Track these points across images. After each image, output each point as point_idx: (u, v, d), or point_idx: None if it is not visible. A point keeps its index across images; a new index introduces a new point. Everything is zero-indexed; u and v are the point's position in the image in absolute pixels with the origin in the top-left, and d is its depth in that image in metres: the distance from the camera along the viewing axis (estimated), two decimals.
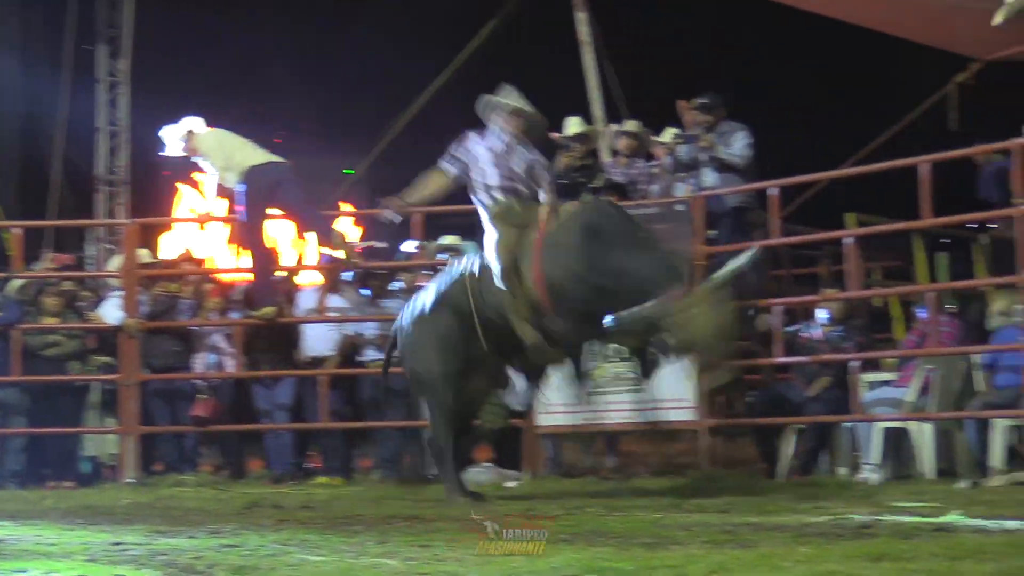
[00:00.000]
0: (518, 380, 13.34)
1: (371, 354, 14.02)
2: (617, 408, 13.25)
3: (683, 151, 14.16)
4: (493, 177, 10.98)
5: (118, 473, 13.78)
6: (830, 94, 25.77)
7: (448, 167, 11.29)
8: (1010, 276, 12.00)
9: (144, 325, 13.96)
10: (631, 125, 14.46)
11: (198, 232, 19.27)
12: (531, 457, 13.50)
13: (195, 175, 19.87)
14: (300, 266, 16.90)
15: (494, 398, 13.18)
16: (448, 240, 14.62)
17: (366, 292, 14.53)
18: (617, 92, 17.43)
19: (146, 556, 7.24)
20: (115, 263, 15.14)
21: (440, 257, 14.40)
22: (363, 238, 19.86)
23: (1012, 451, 11.89)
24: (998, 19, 11.04)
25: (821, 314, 13.13)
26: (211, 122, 14.31)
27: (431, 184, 11.41)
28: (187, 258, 16.36)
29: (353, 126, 23.66)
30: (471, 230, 15.19)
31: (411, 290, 14.30)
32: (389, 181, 23.59)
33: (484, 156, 11.12)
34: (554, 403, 13.30)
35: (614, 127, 14.83)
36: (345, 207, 21.19)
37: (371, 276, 14.67)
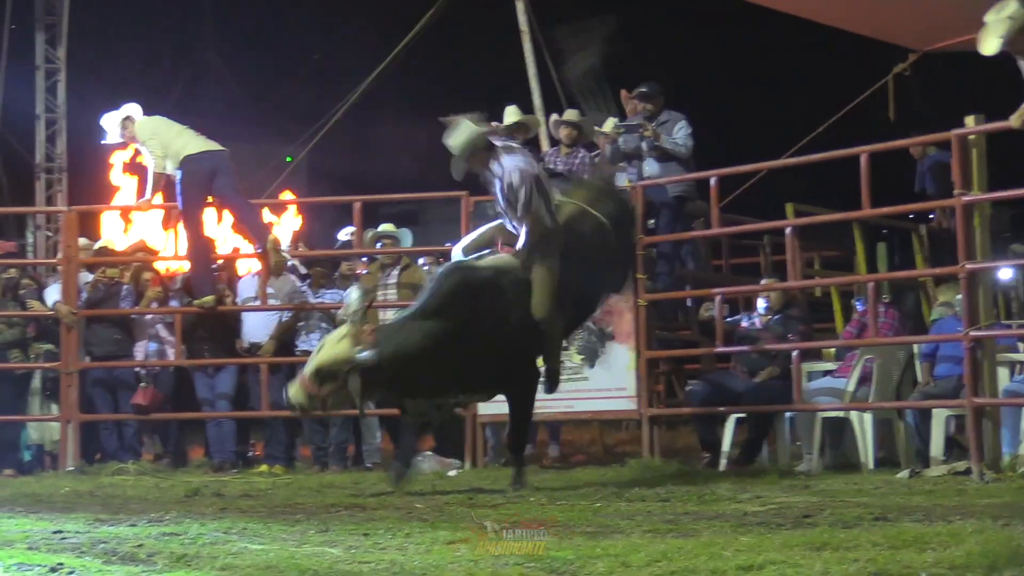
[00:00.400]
0: None
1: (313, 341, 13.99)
2: (559, 397, 13.25)
3: (625, 140, 14.17)
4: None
5: (59, 461, 13.68)
6: (769, 83, 25.87)
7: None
8: (949, 267, 12.07)
9: (78, 313, 13.86)
10: (571, 114, 14.45)
11: (139, 219, 19.22)
12: (472, 446, 13.48)
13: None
14: (238, 254, 16.79)
15: None
16: (384, 228, 14.59)
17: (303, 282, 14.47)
18: (556, 81, 17.42)
19: (87, 544, 7.22)
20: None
21: (377, 245, 14.42)
22: (302, 228, 19.87)
23: (951, 441, 11.97)
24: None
25: (760, 303, 13.17)
26: (149, 109, 14.23)
27: None
28: (141, 247, 16.27)
29: (293, 112, 23.59)
30: (407, 218, 15.23)
31: (349, 278, 14.34)
32: (329, 168, 23.65)
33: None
34: None
35: (554, 116, 14.81)
36: (285, 195, 21.17)
37: (311, 264, 14.64)
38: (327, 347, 10.25)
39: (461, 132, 10.65)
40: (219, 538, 7.49)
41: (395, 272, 14.17)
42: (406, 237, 14.66)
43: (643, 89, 14.21)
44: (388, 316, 14.00)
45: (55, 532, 7.82)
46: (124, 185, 20.43)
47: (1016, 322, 12.88)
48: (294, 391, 10.29)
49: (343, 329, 10.28)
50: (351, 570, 6.19)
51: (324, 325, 13.91)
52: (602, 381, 13.21)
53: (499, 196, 10.64)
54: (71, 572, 6.13)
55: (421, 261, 14.70)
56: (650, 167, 13.99)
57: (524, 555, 6.43)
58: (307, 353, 13.70)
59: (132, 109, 13.99)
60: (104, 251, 15.11)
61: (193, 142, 13.85)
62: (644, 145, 13.99)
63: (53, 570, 6.16)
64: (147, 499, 10.50)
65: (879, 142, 12.20)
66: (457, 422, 13.52)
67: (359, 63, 20.27)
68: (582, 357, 13.27)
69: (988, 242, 11.79)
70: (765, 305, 13.02)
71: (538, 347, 10.80)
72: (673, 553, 6.29)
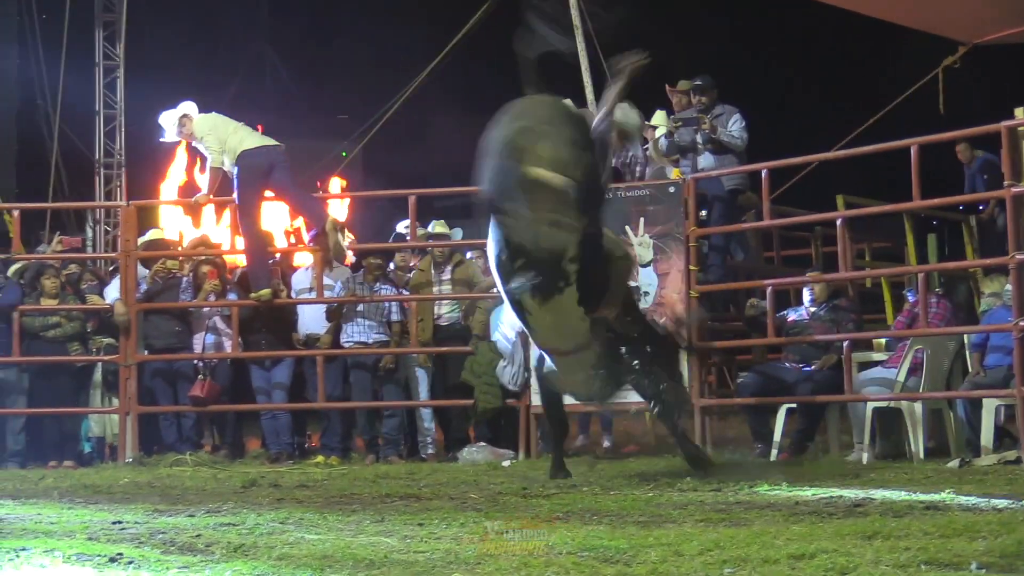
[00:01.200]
0: (514, 360, 13.39)
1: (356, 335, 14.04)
2: None
3: (680, 134, 14.13)
4: None
5: (118, 453, 13.74)
6: (820, 76, 25.76)
7: None
8: (999, 258, 12.00)
9: (135, 307, 13.94)
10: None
11: (196, 214, 19.33)
12: (526, 436, 13.48)
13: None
14: (295, 247, 16.84)
15: (489, 379, 13.26)
16: (437, 228, 14.59)
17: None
18: (607, 76, 17.38)
19: (146, 534, 7.28)
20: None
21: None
22: (350, 220, 19.90)
23: (1001, 430, 11.89)
24: None
25: (805, 295, 13.12)
26: (205, 105, 14.28)
27: None
28: (203, 242, 16.32)
29: (348, 108, 23.64)
30: (460, 212, 15.20)
31: (403, 270, 14.36)
32: (382, 163, 23.69)
33: None
34: None
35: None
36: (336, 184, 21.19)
37: (365, 256, 14.64)
38: None
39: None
40: (276, 528, 7.53)
41: (448, 268, 14.17)
42: (457, 235, 14.65)
43: (698, 82, 14.18)
44: (442, 311, 14.10)
45: (114, 522, 7.88)
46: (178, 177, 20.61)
47: None
48: None
49: None
50: (406, 560, 6.20)
51: (372, 321, 13.99)
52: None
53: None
54: (130, 562, 6.17)
55: (469, 255, 14.67)
56: (705, 160, 13.96)
57: (578, 544, 6.44)
58: (359, 345, 13.85)
59: (188, 107, 14.05)
60: (156, 243, 15.11)
61: (249, 138, 13.90)
62: (699, 138, 13.96)
63: (113, 560, 6.20)
64: (205, 490, 10.55)
65: (929, 134, 12.13)
66: (511, 413, 13.59)
67: (413, 58, 20.31)
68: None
69: None
70: (810, 297, 12.96)
71: None
72: (725, 542, 6.29)
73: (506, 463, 12.81)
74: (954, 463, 11.32)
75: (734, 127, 13.89)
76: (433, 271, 14.14)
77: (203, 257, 14.70)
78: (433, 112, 23.21)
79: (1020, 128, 11.62)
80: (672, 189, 13.18)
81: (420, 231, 14.49)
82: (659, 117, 14.40)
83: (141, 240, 14.22)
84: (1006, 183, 11.58)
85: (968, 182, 13.45)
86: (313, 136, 23.89)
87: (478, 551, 6.36)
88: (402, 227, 14.65)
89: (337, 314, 14.13)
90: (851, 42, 23.05)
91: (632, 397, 13.15)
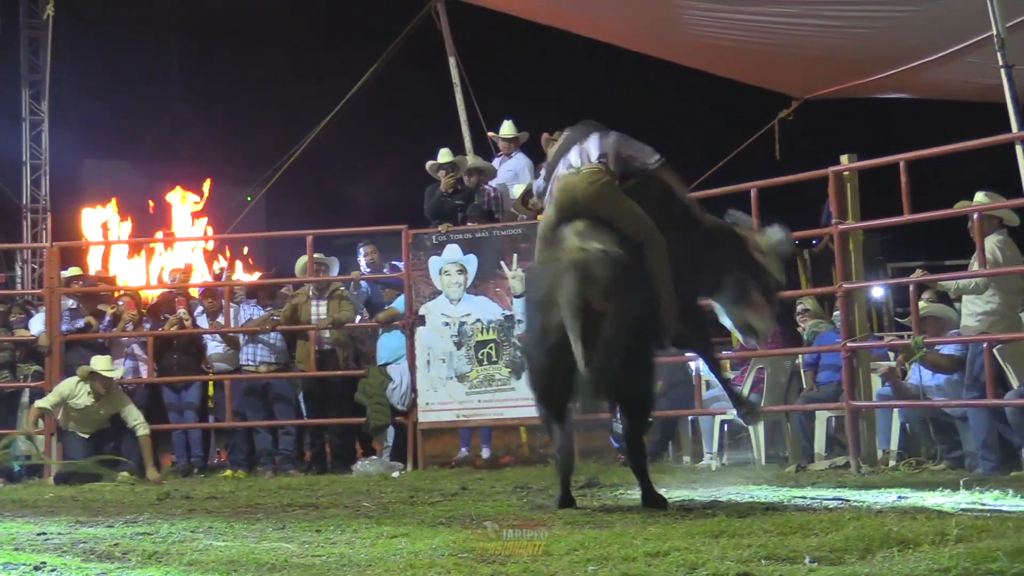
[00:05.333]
0: (401, 382, 13.39)
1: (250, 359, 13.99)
2: (490, 406, 13.32)
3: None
4: None
5: (43, 471, 13.50)
6: (667, 128, 25.96)
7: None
8: (829, 287, 12.19)
9: (59, 338, 13.76)
10: (445, 155, 14.36)
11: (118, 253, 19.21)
12: (413, 450, 13.45)
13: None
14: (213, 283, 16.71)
15: (380, 399, 13.25)
16: (317, 256, 14.42)
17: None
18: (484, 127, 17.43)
19: (68, 544, 7.17)
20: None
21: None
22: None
23: (832, 439, 12.05)
24: None
25: None
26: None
27: None
28: (103, 278, 16.14)
29: (254, 157, 23.52)
30: (348, 251, 15.12)
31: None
32: (284, 207, 23.59)
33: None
34: (433, 402, 13.38)
35: (430, 162, 14.59)
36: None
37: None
38: None
39: None
40: (187, 536, 7.44)
41: (324, 300, 14.07)
42: (334, 265, 14.54)
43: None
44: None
45: (39, 534, 7.75)
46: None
47: (887, 334, 12.97)
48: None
49: None
50: (304, 563, 6.16)
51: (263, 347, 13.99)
52: (527, 391, 13.17)
53: None
54: (53, 570, 6.08)
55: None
56: None
57: (458, 546, 6.42)
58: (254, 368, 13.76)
59: None
60: (78, 278, 14.97)
61: None
62: None
63: (37, 568, 6.10)
64: (123, 503, 10.39)
65: (767, 179, 12.27)
66: (400, 429, 13.57)
67: (315, 112, 20.23)
68: (509, 370, 13.29)
69: (862, 264, 11.92)
70: None
71: None
72: (589, 542, 6.30)
73: (396, 474, 12.76)
74: (791, 468, 11.46)
75: None
76: (313, 302, 14.02)
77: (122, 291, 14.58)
78: (330, 161, 23.17)
79: (845, 173, 11.81)
80: None
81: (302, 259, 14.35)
82: (507, 128, 14.44)
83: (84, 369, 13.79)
84: (834, 221, 11.76)
85: (824, 218, 13.62)
86: (223, 182, 23.76)
87: (369, 555, 6.33)
88: (300, 264, 14.47)
89: (236, 341, 14.07)
90: (696, 96, 23.22)
91: (507, 413, 13.29)
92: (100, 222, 21.27)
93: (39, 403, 13.14)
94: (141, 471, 12.97)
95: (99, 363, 13.17)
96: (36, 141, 21.75)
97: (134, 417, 13.15)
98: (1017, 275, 10.88)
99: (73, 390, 13.10)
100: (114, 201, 21.68)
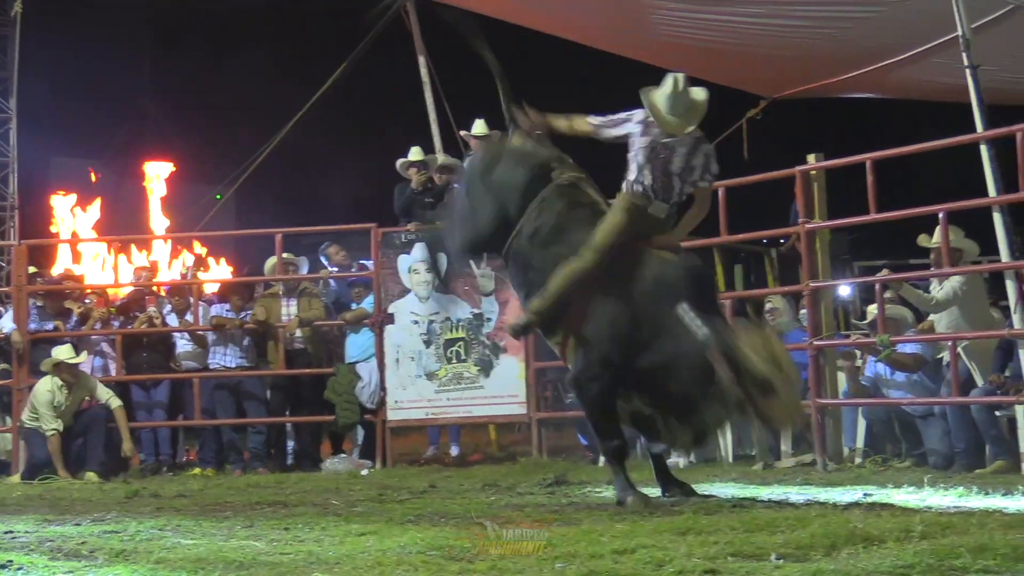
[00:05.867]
0: (370, 381, 13.36)
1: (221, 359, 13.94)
2: (459, 404, 13.34)
3: None
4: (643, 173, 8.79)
5: (11, 469, 13.42)
6: None
7: (599, 124, 8.97)
8: (795, 286, 12.23)
9: (27, 336, 13.71)
10: (416, 153, 14.36)
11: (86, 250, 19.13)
12: (382, 448, 13.44)
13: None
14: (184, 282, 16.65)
15: (349, 397, 13.23)
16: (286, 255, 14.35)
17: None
18: (454, 125, 17.41)
19: (35, 543, 7.13)
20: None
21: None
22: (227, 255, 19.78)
23: (798, 437, 12.08)
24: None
25: None
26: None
27: (577, 124, 9.08)
28: (68, 276, 16.05)
29: (224, 154, 23.45)
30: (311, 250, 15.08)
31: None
32: (254, 205, 23.54)
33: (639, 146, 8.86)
34: (402, 400, 13.38)
35: (400, 160, 14.60)
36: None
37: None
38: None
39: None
40: (155, 534, 7.41)
41: (294, 299, 14.04)
42: (303, 264, 14.51)
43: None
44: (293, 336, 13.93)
45: (6, 532, 7.70)
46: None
47: (853, 332, 13.02)
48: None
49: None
50: (272, 561, 6.14)
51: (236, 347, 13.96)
52: (496, 389, 13.28)
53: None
54: (20, 568, 6.04)
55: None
56: None
57: (426, 544, 6.42)
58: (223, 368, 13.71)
59: None
60: (41, 275, 14.94)
61: None
62: None
63: (3, 567, 6.06)
64: (91, 501, 10.33)
65: (735, 178, 12.29)
66: (369, 427, 13.57)
67: (281, 111, 20.18)
68: (478, 368, 13.31)
69: (828, 263, 11.96)
70: None
71: None
72: (557, 540, 6.30)
73: (364, 472, 12.75)
74: (758, 466, 11.48)
75: None
76: (283, 301, 14.00)
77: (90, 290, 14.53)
78: (300, 159, 23.13)
79: (812, 172, 11.85)
80: None
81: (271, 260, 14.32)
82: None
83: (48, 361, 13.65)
84: (800, 220, 11.80)
85: (792, 216, 13.67)
86: (192, 180, 23.69)
87: (337, 552, 6.31)
88: (270, 264, 14.41)
89: (204, 340, 14.04)
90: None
91: (476, 411, 13.31)
92: (68, 217, 21.20)
93: (52, 427, 12.99)
94: (107, 470, 12.94)
95: (62, 352, 13.11)
96: (4, 139, 21.61)
97: (106, 393, 13.17)
98: (983, 306, 11.06)
99: (53, 392, 13.03)
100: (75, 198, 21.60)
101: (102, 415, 13.23)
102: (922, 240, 11.43)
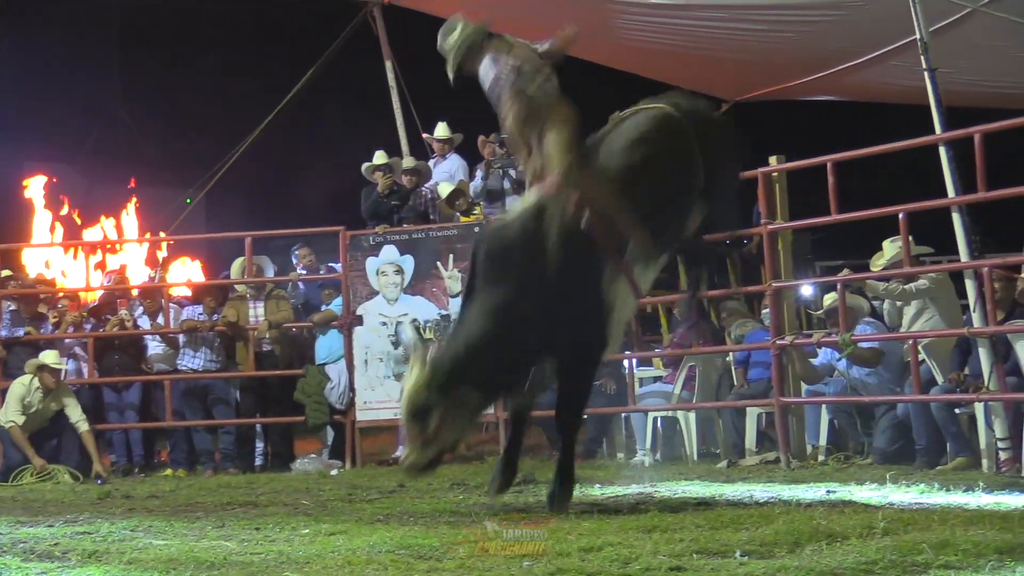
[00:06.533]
0: (339, 381, 13.34)
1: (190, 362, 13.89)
2: None
3: (492, 180, 14.06)
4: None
5: None
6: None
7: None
8: (758, 286, 12.26)
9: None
10: (380, 157, 14.36)
11: (57, 254, 19.04)
12: (352, 448, 13.42)
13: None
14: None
15: (318, 398, 13.20)
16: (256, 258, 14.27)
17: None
18: (420, 129, 17.40)
19: (8, 544, 7.11)
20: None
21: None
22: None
23: (762, 434, 12.11)
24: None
25: None
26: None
27: None
28: (40, 280, 15.98)
29: (192, 159, 23.37)
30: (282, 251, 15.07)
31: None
32: (224, 208, 23.46)
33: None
34: (371, 400, 13.35)
35: (365, 164, 14.59)
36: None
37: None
38: (404, 392, 8.15)
39: (456, 30, 8.69)
40: (127, 535, 7.39)
41: (261, 299, 14.01)
42: (267, 265, 14.48)
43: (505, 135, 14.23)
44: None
45: None
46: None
47: (816, 332, 13.05)
48: (411, 459, 8.00)
49: (410, 366, 8.13)
50: (244, 561, 6.14)
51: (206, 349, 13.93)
52: None
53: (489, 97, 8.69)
54: None
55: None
56: (512, 203, 13.97)
57: (395, 543, 6.41)
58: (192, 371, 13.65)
59: None
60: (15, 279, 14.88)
61: None
62: (507, 184, 13.88)
63: None
64: (63, 502, 10.29)
65: None
66: (338, 427, 13.54)
67: (250, 116, 20.12)
68: None
69: (791, 263, 12.01)
70: None
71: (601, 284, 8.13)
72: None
73: (334, 472, 12.73)
74: (723, 464, 11.51)
75: None
76: (251, 303, 13.97)
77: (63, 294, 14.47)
78: (268, 162, 23.05)
79: (774, 174, 11.90)
80: (477, 229, 13.20)
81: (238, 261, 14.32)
82: (441, 130, 14.40)
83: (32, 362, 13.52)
84: (763, 221, 11.84)
85: (756, 216, 13.71)
86: (161, 184, 23.62)
87: (308, 552, 6.30)
88: (236, 267, 14.38)
89: (175, 342, 13.99)
90: (630, 99, 23.28)
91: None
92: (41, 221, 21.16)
93: (11, 419, 12.92)
94: (81, 470, 12.87)
95: (48, 357, 13.10)
96: None
97: (77, 415, 13.05)
98: (955, 306, 11.13)
99: (28, 389, 12.97)
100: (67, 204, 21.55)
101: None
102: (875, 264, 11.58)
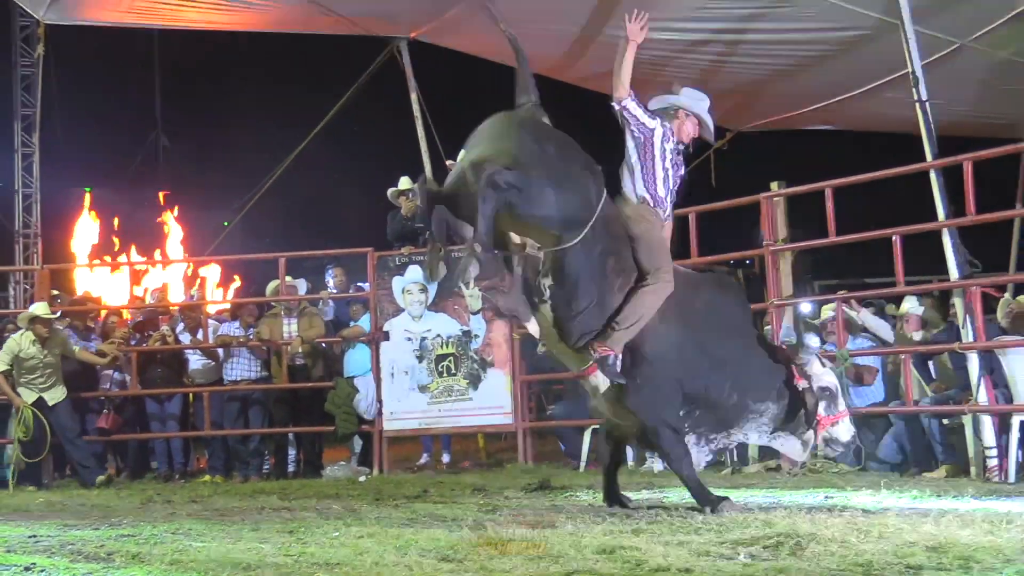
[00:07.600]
0: (367, 393, 13.33)
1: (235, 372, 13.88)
2: (450, 415, 13.33)
3: None
4: (656, 184, 8.79)
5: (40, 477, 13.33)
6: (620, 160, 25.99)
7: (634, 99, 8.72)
8: (761, 304, 12.25)
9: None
10: (404, 183, 14.36)
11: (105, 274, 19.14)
12: (379, 456, 13.43)
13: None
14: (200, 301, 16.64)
15: (347, 409, 13.19)
16: (288, 280, 14.29)
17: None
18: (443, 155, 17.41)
19: (57, 546, 7.11)
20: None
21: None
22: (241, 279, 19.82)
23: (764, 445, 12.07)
24: None
25: None
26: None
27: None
28: (88, 297, 16.05)
29: (230, 184, 23.47)
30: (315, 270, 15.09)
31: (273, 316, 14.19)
32: (259, 231, 23.53)
33: (658, 150, 8.87)
34: (397, 411, 13.36)
35: (391, 190, 14.58)
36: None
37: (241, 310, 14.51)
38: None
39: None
40: (168, 538, 7.39)
41: (295, 316, 14.02)
42: (302, 286, 14.50)
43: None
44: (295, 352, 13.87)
45: (30, 536, 7.68)
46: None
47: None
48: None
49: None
50: (278, 562, 6.12)
51: (251, 359, 13.91)
52: (484, 401, 13.27)
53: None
54: (43, 570, 6.04)
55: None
56: None
57: (420, 545, 6.40)
58: (233, 383, 13.65)
59: None
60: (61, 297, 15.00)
61: None
62: None
63: (27, 569, 6.05)
64: (109, 507, 10.29)
65: (704, 204, 12.32)
66: (366, 437, 13.55)
67: (286, 142, 20.19)
68: (467, 381, 13.30)
69: (791, 282, 12.00)
70: None
71: None
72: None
73: (362, 479, 12.72)
74: (727, 471, 11.46)
75: None
76: (284, 319, 13.98)
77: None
78: (301, 188, 23.12)
79: (775, 199, 11.90)
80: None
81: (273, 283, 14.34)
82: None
83: (24, 314, 13.57)
84: (765, 242, 11.85)
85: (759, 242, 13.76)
86: (201, 208, 23.75)
87: (339, 554, 6.30)
88: (272, 287, 14.40)
89: (215, 355, 14.03)
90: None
91: (465, 421, 13.30)
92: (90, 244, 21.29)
93: None
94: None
95: (39, 308, 13.13)
96: (28, 171, 21.64)
97: (71, 345, 13.40)
98: None
99: (19, 342, 12.98)
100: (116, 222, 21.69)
101: (71, 426, 13.23)
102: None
